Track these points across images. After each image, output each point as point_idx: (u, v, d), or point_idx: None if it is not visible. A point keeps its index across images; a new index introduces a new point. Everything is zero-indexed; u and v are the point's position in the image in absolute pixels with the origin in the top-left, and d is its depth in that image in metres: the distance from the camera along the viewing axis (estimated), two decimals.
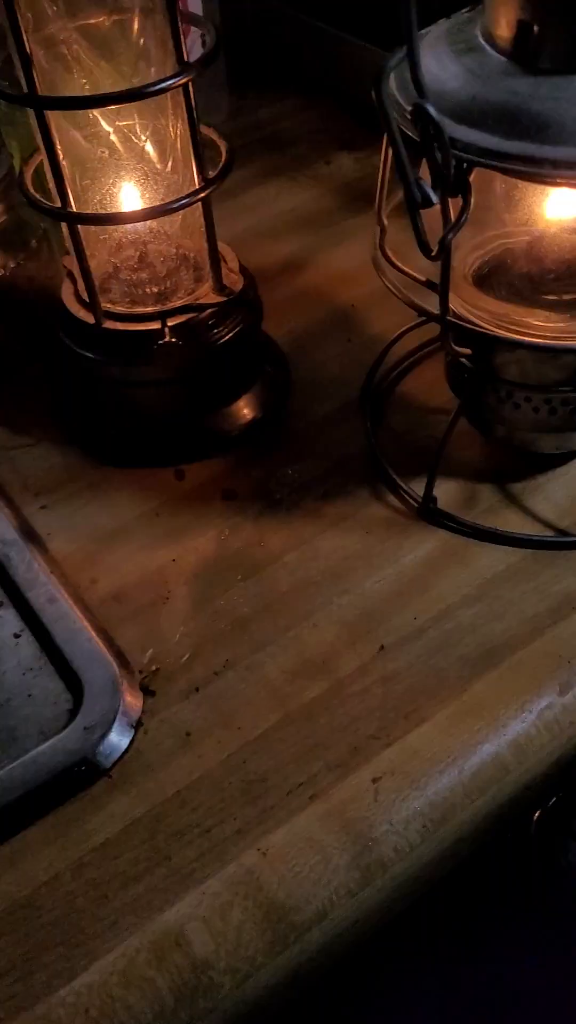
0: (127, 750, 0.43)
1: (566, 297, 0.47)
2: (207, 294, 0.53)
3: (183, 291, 0.53)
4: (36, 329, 0.62)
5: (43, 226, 0.61)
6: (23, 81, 0.43)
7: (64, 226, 0.52)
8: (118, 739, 0.43)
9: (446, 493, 0.52)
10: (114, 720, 0.43)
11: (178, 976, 0.36)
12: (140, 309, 0.52)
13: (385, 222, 0.49)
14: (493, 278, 0.48)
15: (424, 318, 0.55)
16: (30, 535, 0.52)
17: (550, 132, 0.36)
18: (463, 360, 0.49)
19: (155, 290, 0.53)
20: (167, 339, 0.51)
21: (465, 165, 0.38)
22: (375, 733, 0.43)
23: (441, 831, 0.40)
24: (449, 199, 0.39)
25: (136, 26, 0.44)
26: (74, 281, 0.55)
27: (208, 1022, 0.36)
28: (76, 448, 0.57)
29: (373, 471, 0.54)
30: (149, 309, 0.52)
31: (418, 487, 0.52)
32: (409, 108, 0.35)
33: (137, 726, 0.44)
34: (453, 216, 0.39)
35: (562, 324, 0.46)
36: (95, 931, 0.38)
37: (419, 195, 0.37)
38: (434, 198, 0.37)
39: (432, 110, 0.34)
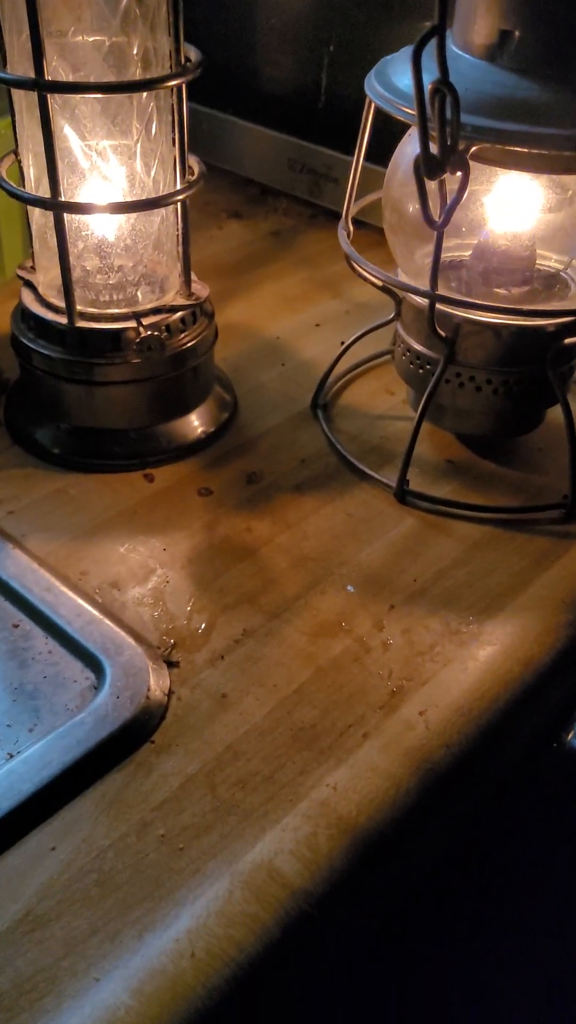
0: (164, 716, 0.42)
1: (514, 290, 0.53)
2: (175, 299, 0.54)
3: (147, 301, 0.55)
4: None
5: None
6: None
7: (35, 230, 0.53)
8: (154, 706, 0.42)
9: (411, 479, 0.55)
10: (147, 687, 0.42)
11: (280, 907, 0.35)
12: (113, 310, 0.53)
13: (351, 227, 0.54)
14: (448, 274, 0.54)
15: (379, 323, 0.60)
16: (5, 536, 0.50)
17: (538, 116, 0.42)
18: (421, 350, 0.53)
19: (120, 296, 0.54)
20: (145, 334, 0.52)
21: (463, 145, 0.43)
22: (408, 676, 0.44)
23: (491, 745, 0.41)
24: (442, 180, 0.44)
25: (137, 39, 0.47)
26: (33, 288, 0.55)
27: (313, 949, 0.35)
28: (33, 458, 0.56)
29: (336, 467, 0.56)
30: (123, 310, 0.53)
31: (384, 476, 0.55)
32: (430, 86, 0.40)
33: (169, 694, 0.42)
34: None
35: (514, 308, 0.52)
36: (178, 882, 0.35)
37: (431, 165, 0.42)
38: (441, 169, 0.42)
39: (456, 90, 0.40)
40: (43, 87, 0.45)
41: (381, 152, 0.53)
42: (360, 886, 0.37)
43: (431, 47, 0.39)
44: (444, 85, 0.40)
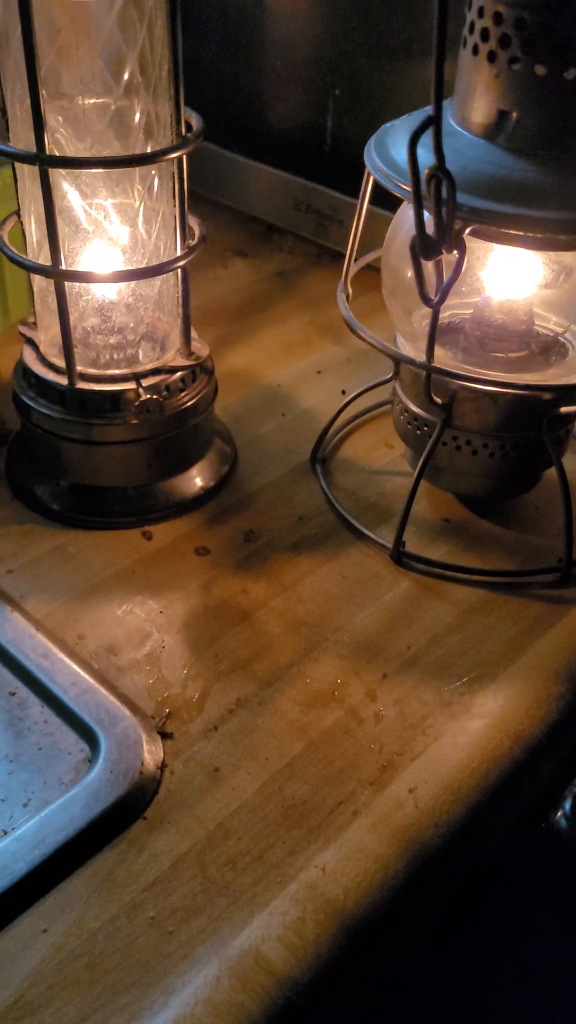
0: (156, 791, 0.42)
1: (512, 355, 0.53)
2: (175, 359, 0.55)
3: (147, 360, 0.55)
4: None
5: None
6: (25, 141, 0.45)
7: (37, 291, 0.54)
8: (147, 781, 0.42)
9: (408, 539, 0.55)
10: (140, 762, 0.42)
11: (266, 996, 0.35)
12: (113, 371, 0.53)
13: (350, 290, 0.54)
14: (445, 338, 0.54)
15: (378, 382, 0.60)
16: (3, 597, 0.51)
17: (533, 198, 0.43)
18: (418, 412, 0.54)
19: (120, 356, 0.55)
20: (145, 396, 0.52)
21: (459, 225, 0.43)
22: (399, 750, 0.44)
23: (480, 824, 0.42)
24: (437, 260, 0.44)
25: (139, 105, 0.47)
26: (34, 346, 0.55)
27: None
28: (32, 513, 0.56)
29: (334, 525, 0.57)
30: (123, 371, 0.53)
31: (381, 536, 0.55)
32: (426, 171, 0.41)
33: (162, 767, 0.43)
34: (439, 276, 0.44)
35: (511, 377, 0.52)
36: (167, 967, 0.36)
37: (427, 246, 0.42)
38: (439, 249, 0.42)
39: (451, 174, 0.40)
40: (45, 162, 0.45)
41: (387, 196, 0.52)
42: (345, 971, 0.37)
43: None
44: (440, 171, 0.40)
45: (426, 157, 0.41)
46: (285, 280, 0.81)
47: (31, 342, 0.56)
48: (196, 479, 0.58)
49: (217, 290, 0.80)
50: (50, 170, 0.46)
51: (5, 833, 0.40)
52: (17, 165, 0.50)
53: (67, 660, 0.47)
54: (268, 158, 0.85)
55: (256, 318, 0.76)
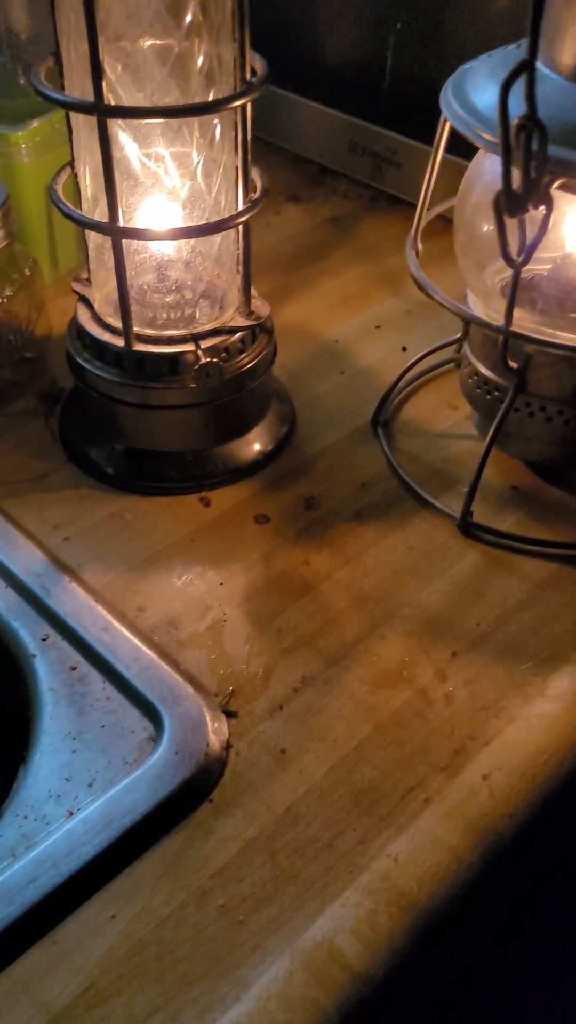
0: (222, 773, 0.41)
1: None
2: (234, 319, 0.53)
3: (205, 319, 0.53)
4: (26, 362, 0.60)
5: (32, 258, 0.60)
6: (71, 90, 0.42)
7: (92, 247, 0.51)
8: (213, 762, 0.41)
9: (474, 507, 0.53)
10: (205, 743, 0.41)
11: (340, 992, 0.34)
12: (171, 332, 0.51)
13: (420, 246, 0.51)
14: (520, 296, 0.51)
15: (444, 343, 0.58)
16: (62, 567, 0.49)
17: None
18: (489, 376, 0.51)
19: (177, 315, 0.52)
20: (205, 360, 0.50)
21: (547, 179, 0.40)
22: (471, 734, 0.43)
23: (553, 814, 0.40)
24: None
25: (201, 48, 0.44)
26: (89, 304, 0.53)
27: None
28: (88, 477, 0.55)
29: (397, 492, 0.55)
30: (181, 331, 0.51)
31: (447, 504, 0.53)
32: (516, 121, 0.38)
33: (227, 748, 0.42)
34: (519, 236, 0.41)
35: None
36: (238, 958, 0.35)
37: (513, 201, 0.39)
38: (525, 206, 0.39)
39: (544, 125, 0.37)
40: (103, 112, 0.43)
41: (456, 140, 0.49)
42: (416, 966, 0.36)
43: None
44: (532, 122, 0.37)
45: (513, 104, 0.38)
46: (340, 226, 0.78)
47: (85, 300, 0.54)
48: (255, 443, 0.56)
49: (270, 238, 0.77)
50: (108, 120, 0.43)
51: (71, 814, 0.39)
52: (72, 114, 0.48)
53: (128, 634, 0.46)
54: (322, 96, 0.81)
55: (311, 268, 0.73)
